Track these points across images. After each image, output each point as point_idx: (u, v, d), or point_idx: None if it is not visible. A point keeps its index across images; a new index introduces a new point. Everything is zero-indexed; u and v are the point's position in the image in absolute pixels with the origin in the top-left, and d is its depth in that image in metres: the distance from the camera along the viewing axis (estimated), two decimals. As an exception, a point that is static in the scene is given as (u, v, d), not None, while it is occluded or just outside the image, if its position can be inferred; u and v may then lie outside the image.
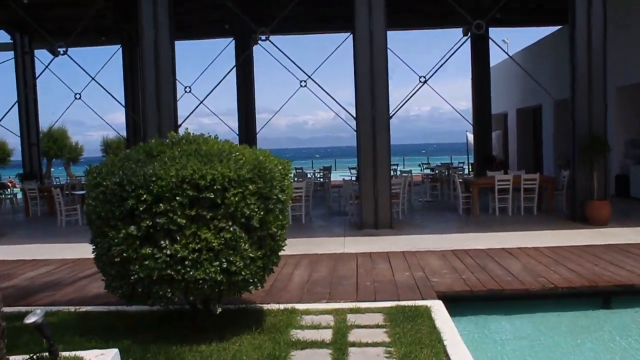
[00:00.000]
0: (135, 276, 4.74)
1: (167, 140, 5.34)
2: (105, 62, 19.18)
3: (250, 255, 4.98)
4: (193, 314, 5.57)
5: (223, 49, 19.41)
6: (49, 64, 14.26)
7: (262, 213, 4.98)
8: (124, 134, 21.20)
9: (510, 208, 13.07)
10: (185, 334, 5.24)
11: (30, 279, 8.29)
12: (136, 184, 4.66)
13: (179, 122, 12.27)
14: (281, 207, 5.28)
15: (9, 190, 19.53)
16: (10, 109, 15.69)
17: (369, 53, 11.47)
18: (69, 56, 13.17)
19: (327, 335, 5.22)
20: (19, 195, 19.55)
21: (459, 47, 14.08)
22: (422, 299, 6.37)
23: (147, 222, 4.65)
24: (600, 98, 11.50)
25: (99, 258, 5.10)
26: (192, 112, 15.93)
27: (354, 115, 12.13)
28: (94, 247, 5.17)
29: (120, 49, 19.92)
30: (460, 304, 6.55)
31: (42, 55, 20.21)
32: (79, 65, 13.98)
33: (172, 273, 4.70)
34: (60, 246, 10.96)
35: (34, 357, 3.79)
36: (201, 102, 13.33)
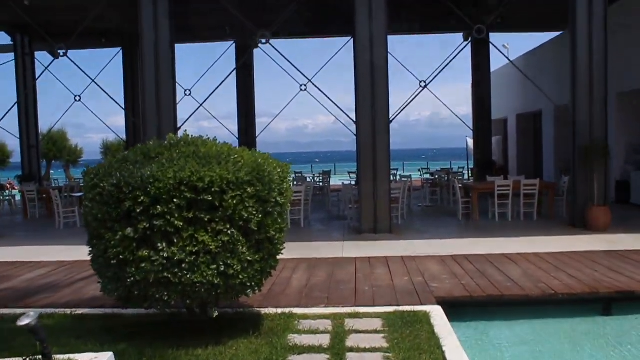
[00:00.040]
0: (132, 279, 4.70)
1: (166, 142, 5.31)
2: (105, 64, 19.19)
3: (248, 258, 4.93)
4: (190, 317, 5.53)
5: (223, 52, 19.43)
6: (48, 65, 14.30)
7: (260, 216, 4.94)
8: (124, 136, 21.19)
9: (510, 213, 13.03)
10: (181, 338, 5.19)
11: (27, 281, 8.24)
12: (133, 185, 4.62)
13: (179, 125, 12.26)
14: (280, 210, 5.24)
15: (7, 192, 19.49)
16: (10, 109, 15.68)
17: (370, 57, 11.46)
18: (68, 58, 13.16)
19: (324, 340, 5.17)
20: (18, 197, 19.51)
21: (459, 52, 14.07)
22: (421, 304, 6.32)
23: (144, 224, 4.61)
24: (601, 104, 11.48)
25: (96, 260, 5.05)
26: (191, 115, 15.81)
27: (354, 120, 12.11)
28: (90, 249, 5.13)
29: (121, 51, 19.93)
30: (459, 309, 6.50)
31: (42, 58, 20.17)
32: (79, 67, 13.98)
33: (169, 276, 4.66)
34: (58, 248, 10.91)
35: (27, 359, 3.74)
36: (201, 104, 13.32)
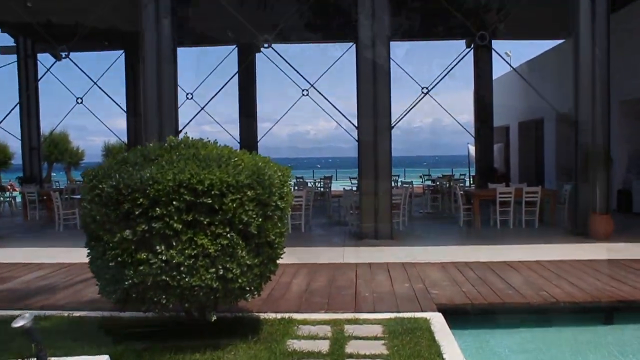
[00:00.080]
0: (130, 281, 4.65)
1: (166, 144, 5.27)
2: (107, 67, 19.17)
3: (248, 262, 4.89)
4: (188, 321, 5.48)
5: (226, 56, 19.43)
6: (50, 67, 14.30)
7: (260, 220, 4.90)
8: (126, 139, 21.16)
9: (512, 221, 12.98)
10: (180, 342, 5.14)
11: (25, 282, 8.20)
12: (132, 187, 4.59)
13: (181, 128, 12.23)
14: (280, 214, 5.20)
15: (7, 193, 19.47)
16: (11, 110, 15.68)
17: (372, 63, 11.44)
18: (70, 59, 13.16)
19: (324, 346, 5.12)
20: (18, 199, 19.49)
21: (461, 59, 14.05)
22: (422, 311, 6.27)
23: (143, 227, 4.58)
24: (603, 112, 11.44)
25: (94, 262, 5.01)
26: (193, 118, 15.90)
27: (356, 125, 12.08)
28: (88, 250, 5.09)
29: (123, 54, 19.94)
30: (460, 316, 6.45)
31: (45, 60, 20.22)
32: (81, 70, 13.99)
33: (167, 279, 4.62)
34: (57, 250, 10.88)
35: (22, 362, 3.70)
36: (202, 108, 13.32)
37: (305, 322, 5.87)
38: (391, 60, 11.74)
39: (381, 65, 11.38)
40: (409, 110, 13.65)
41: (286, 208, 5.32)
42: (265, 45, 12.26)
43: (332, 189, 19.51)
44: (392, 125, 11.77)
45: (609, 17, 11.44)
